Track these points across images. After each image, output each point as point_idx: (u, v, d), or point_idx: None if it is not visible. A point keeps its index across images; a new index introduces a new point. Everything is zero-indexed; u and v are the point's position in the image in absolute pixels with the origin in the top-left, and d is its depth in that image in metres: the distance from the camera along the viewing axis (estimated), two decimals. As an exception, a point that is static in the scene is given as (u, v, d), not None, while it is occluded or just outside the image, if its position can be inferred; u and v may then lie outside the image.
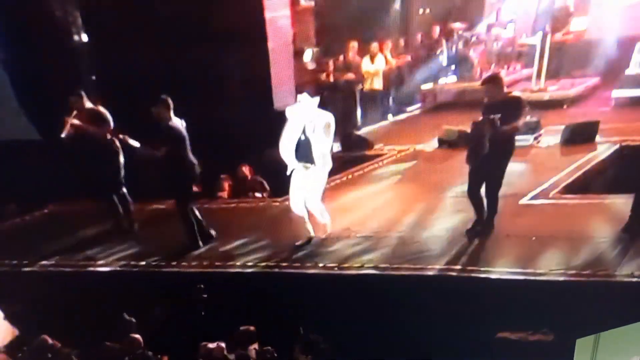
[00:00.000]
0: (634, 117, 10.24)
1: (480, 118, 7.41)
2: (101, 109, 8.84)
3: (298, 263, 7.63)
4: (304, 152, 7.58)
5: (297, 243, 7.96)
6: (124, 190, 8.93)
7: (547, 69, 11.86)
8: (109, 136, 8.69)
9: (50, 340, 7.00)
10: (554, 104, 11.53)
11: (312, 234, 7.96)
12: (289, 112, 7.68)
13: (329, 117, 7.63)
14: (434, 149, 10.45)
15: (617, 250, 6.79)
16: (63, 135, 8.68)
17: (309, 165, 7.62)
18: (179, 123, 8.02)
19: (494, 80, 7.54)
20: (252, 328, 6.71)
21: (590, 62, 12.03)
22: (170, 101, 7.96)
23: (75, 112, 8.68)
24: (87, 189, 9.65)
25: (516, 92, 7.85)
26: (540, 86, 11.85)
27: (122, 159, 8.77)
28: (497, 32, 13.04)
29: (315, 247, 7.90)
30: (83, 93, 8.87)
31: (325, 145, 7.62)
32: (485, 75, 12.24)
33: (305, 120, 7.53)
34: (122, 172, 8.85)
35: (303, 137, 7.56)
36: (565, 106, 11.51)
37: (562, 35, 12.26)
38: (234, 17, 10.52)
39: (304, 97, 7.66)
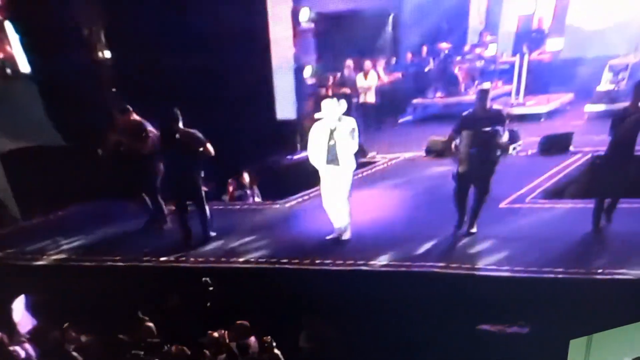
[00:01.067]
0: (605, 129, 10.16)
1: (466, 129, 7.44)
2: (144, 122, 8.65)
3: (300, 259, 7.60)
4: (332, 154, 7.58)
5: (328, 237, 7.92)
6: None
7: (526, 85, 11.85)
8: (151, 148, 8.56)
9: (68, 331, 7.00)
10: (531, 117, 11.50)
11: (342, 230, 7.90)
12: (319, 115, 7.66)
13: (352, 122, 7.62)
14: (421, 157, 10.39)
15: (585, 249, 6.79)
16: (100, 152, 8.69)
17: (336, 166, 7.62)
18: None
19: (484, 91, 7.58)
20: (246, 323, 6.66)
21: (565, 79, 12.00)
22: (178, 112, 8.04)
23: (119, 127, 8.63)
24: (119, 191, 9.49)
25: (497, 106, 7.79)
26: (519, 101, 11.82)
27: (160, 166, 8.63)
28: (479, 51, 13.03)
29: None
30: (129, 107, 8.72)
31: (350, 148, 7.61)
32: (472, 88, 12.55)
33: (332, 124, 7.51)
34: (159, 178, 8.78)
35: (331, 141, 7.55)
36: (542, 119, 11.46)
37: (538, 55, 12.24)
38: (243, 38, 10.52)
39: (331, 102, 7.63)
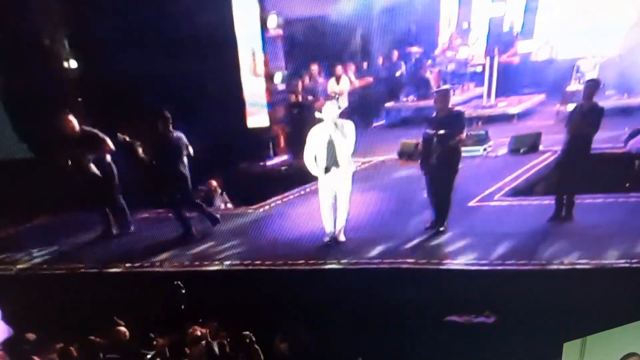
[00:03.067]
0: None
1: (429, 131, 8.09)
2: (96, 130, 9.20)
3: (273, 261, 8.17)
4: (331, 156, 8.13)
5: (325, 240, 8.42)
6: (121, 200, 9.42)
7: (497, 87, 12.51)
8: (108, 157, 9.19)
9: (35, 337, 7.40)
10: (503, 118, 12.14)
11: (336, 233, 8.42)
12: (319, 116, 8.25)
13: (349, 124, 8.18)
14: (394, 160, 10.97)
15: (546, 242, 7.43)
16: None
17: (336, 168, 8.18)
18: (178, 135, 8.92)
19: (443, 93, 8.20)
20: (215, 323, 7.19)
21: (536, 80, 12.70)
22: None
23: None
24: (81, 201, 9.95)
25: (459, 107, 8.45)
26: (491, 102, 12.48)
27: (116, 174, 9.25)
28: (450, 54, 13.69)
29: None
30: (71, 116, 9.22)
31: (349, 149, 8.15)
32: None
33: (330, 127, 8.05)
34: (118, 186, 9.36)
35: (329, 143, 8.10)
36: (514, 120, 12.11)
37: (509, 57, 12.93)
38: (211, 46, 10.94)
39: (331, 104, 8.43)
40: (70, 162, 9.33)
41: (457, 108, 8.43)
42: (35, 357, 7.16)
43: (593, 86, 7.94)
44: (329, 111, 8.12)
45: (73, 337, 7.36)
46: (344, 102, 12.47)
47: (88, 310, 7.65)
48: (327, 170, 8.19)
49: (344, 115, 12.28)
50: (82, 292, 8.16)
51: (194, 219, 9.33)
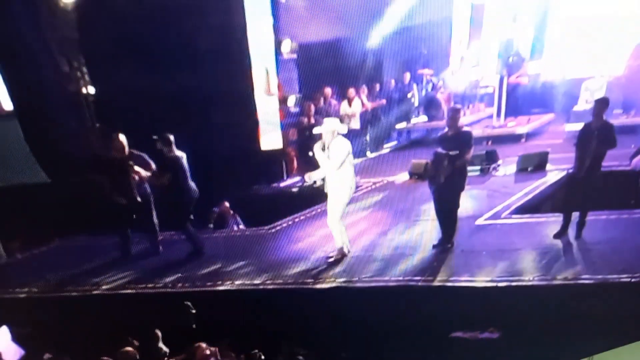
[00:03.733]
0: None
1: (439, 150, 8.33)
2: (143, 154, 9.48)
3: (281, 280, 8.39)
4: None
5: (330, 258, 8.64)
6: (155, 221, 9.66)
7: (506, 107, 12.73)
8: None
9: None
10: (512, 138, 12.33)
11: (346, 250, 8.65)
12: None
13: (339, 145, 8.40)
14: (404, 180, 11.19)
15: (552, 258, 7.59)
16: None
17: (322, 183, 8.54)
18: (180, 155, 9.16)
19: (455, 112, 8.49)
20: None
21: (544, 100, 12.90)
22: (171, 137, 9.13)
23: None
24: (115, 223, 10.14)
25: (467, 128, 8.66)
26: (500, 122, 12.69)
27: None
28: (461, 76, 13.94)
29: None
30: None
31: (331, 169, 8.37)
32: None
33: (326, 142, 8.35)
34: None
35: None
36: (523, 140, 12.29)
37: (518, 78, 13.14)
38: (226, 70, 11.26)
39: (330, 120, 8.67)
40: (114, 184, 9.55)
41: (465, 128, 8.62)
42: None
43: (602, 105, 8.06)
44: (325, 128, 8.38)
45: (85, 358, 7.61)
46: (356, 124, 12.79)
47: (100, 331, 7.87)
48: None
49: (352, 136, 12.82)
50: (94, 313, 8.41)
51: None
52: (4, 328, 7.95)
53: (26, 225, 10.60)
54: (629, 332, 6.37)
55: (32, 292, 9.32)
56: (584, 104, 11.82)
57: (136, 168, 9.38)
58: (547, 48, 13.47)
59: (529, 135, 12.34)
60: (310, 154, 8.55)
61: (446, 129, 8.42)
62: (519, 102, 12.93)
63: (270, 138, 12.12)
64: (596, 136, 7.91)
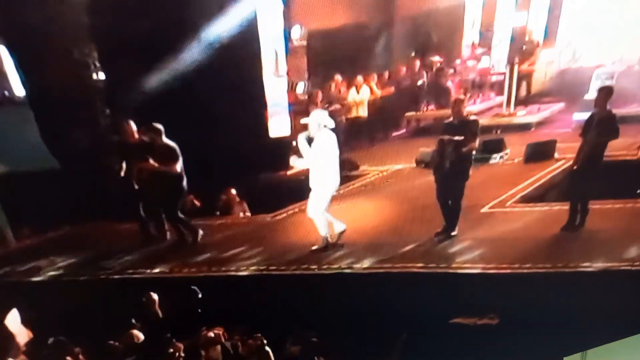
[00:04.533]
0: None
1: (444, 136, 8.45)
2: (172, 144, 9.33)
3: (287, 266, 8.57)
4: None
5: (314, 247, 8.79)
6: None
7: (516, 96, 12.81)
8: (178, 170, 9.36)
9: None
10: (522, 127, 12.41)
11: (330, 240, 8.78)
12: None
13: (328, 136, 8.48)
14: (411, 168, 11.32)
15: (555, 246, 7.70)
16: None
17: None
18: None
19: (457, 102, 8.58)
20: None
21: (555, 89, 12.96)
22: (160, 127, 9.23)
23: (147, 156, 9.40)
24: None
25: (473, 116, 8.75)
26: (510, 111, 12.76)
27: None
28: (471, 64, 14.01)
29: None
30: (161, 127, 9.37)
31: (319, 160, 8.44)
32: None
33: (312, 134, 8.42)
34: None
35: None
36: (532, 128, 12.36)
37: (529, 66, 13.20)
38: (235, 58, 11.41)
39: (318, 111, 8.74)
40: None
41: (471, 117, 8.72)
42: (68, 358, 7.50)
43: (606, 94, 8.10)
44: (312, 120, 8.47)
45: (91, 341, 7.74)
46: (363, 112, 12.94)
47: (106, 316, 8.05)
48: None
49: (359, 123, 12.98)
50: (101, 297, 8.61)
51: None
52: (14, 311, 8.17)
53: (36, 211, 10.78)
54: (627, 326, 6.47)
55: (39, 276, 9.52)
56: (595, 93, 11.87)
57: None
58: (560, 36, 13.51)
59: (539, 124, 12.41)
60: (294, 143, 8.57)
61: (451, 118, 8.53)
62: (529, 90, 13.03)
63: (278, 121, 12.25)
64: (598, 126, 7.95)
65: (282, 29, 12.41)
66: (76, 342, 7.76)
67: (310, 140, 8.45)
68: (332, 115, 12.10)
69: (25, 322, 8.10)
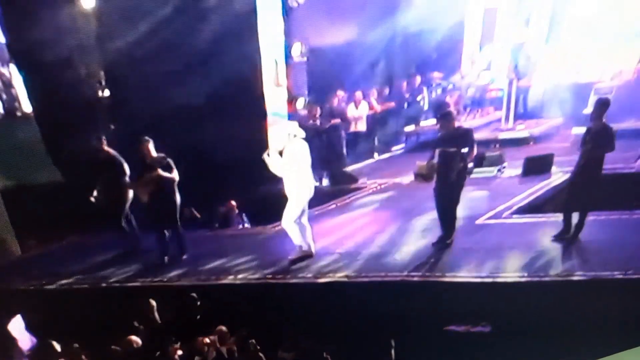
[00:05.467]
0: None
1: (440, 148, 8.57)
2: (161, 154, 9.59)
3: (282, 275, 8.68)
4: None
5: (290, 257, 8.92)
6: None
7: (515, 111, 12.93)
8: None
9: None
10: (521, 141, 12.52)
11: (307, 250, 8.90)
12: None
13: (300, 146, 8.63)
14: (410, 181, 11.44)
15: (547, 256, 7.79)
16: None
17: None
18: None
19: (445, 116, 8.68)
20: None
21: (554, 104, 13.06)
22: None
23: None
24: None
25: (466, 126, 8.87)
26: (509, 126, 12.88)
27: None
28: (470, 80, 14.17)
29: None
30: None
31: (290, 170, 8.58)
32: (464, 116, 13.71)
33: (281, 144, 8.59)
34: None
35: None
36: (531, 143, 12.46)
37: (528, 81, 13.32)
38: (237, 78, 11.55)
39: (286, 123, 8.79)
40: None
41: (465, 127, 8.84)
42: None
43: (602, 107, 8.17)
44: (282, 130, 8.71)
45: (93, 346, 7.94)
46: (362, 126, 13.11)
47: (107, 322, 8.20)
48: None
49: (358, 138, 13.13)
50: (103, 305, 8.76)
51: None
52: (18, 317, 8.31)
53: (41, 222, 10.95)
54: (618, 339, 6.57)
55: (44, 284, 9.69)
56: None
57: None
58: (559, 52, 13.65)
59: (538, 139, 12.51)
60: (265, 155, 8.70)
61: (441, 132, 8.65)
62: (528, 105, 13.15)
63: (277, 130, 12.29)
64: (594, 139, 8.04)
65: (283, 39, 12.54)
66: (79, 347, 7.95)
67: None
68: (332, 129, 12.44)
69: (29, 328, 8.27)
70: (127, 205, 10.07)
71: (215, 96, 10.97)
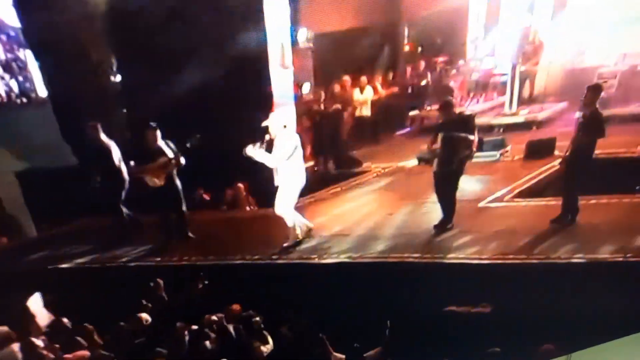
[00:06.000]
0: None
1: (440, 133, 8.61)
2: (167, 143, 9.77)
3: (287, 255, 8.83)
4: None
5: (285, 244, 9.04)
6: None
7: (519, 96, 12.90)
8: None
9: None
10: (524, 126, 12.48)
11: (300, 236, 9.04)
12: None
13: (289, 137, 8.72)
14: (413, 165, 11.48)
15: (547, 239, 7.84)
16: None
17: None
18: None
19: (445, 106, 8.75)
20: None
21: (558, 88, 13.02)
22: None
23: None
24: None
25: (467, 112, 8.90)
26: (513, 111, 12.85)
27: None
28: (475, 64, 14.13)
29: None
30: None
31: (281, 161, 8.67)
32: (467, 100, 13.72)
33: (273, 133, 8.68)
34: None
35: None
36: (534, 127, 12.44)
37: (532, 66, 13.27)
38: (244, 59, 11.57)
39: (274, 114, 8.96)
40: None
41: (466, 113, 8.87)
42: (78, 338, 7.81)
43: (595, 92, 8.18)
44: (271, 122, 8.73)
45: (105, 323, 8.05)
46: (367, 111, 13.12)
47: (118, 300, 8.33)
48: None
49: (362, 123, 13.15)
50: (114, 284, 8.93)
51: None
52: (37, 294, 8.47)
53: (55, 205, 11.05)
54: (614, 309, 6.60)
55: (58, 264, 9.89)
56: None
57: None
58: (563, 35, 13.56)
59: (541, 123, 12.48)
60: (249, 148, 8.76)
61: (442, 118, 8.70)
62: (532, 90, 13.11)
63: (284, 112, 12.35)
64: (586, 124, 8.07)
65: (289, 21, 12.50)
66: (91, 324, 8.06)
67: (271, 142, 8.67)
68: (337, 113, 12.45)
69: (46, 305, 8.41)
70: (124, 191, 10.17)
71: (222, 78, 11.00)
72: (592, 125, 7.98)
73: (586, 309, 6.66)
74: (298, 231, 9.05)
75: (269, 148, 8.72)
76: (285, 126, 8.74)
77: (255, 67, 11.57)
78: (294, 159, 8.72)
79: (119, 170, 10.01)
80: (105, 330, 8.02)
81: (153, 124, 9.83)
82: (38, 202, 11.52)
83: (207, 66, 10.96)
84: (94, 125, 10.03)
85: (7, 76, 12.69)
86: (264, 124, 8.77)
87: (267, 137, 8.69)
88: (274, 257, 8.80)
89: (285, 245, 9.01)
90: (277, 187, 8.91)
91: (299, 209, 9.85)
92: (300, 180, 8.88)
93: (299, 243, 9.01)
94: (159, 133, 9.73)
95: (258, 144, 8.66)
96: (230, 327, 7.33)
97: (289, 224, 8.98)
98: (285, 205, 8.87)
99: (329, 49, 13.29)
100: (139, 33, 11.46)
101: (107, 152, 9.97)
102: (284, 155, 8.64)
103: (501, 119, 12.67)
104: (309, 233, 9.12)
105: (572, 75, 12.86)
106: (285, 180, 8.78)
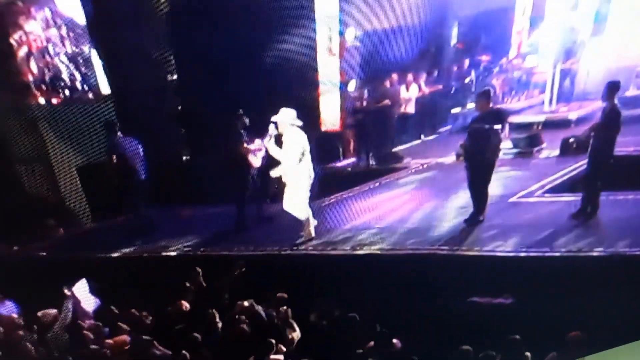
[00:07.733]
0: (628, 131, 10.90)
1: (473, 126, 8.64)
2: None
3: (322, 247, 9.02)
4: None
5: (298, 241, 9.15)
6: None
7: (559, 94, 12.69)
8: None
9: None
10: (563, 124, 12.29)
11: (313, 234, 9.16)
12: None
13: (297, 134, 8.78)
14: (451, 161, 11.49)
15: (571, 233, 7.80)
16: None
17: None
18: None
19: (483, 95, 8.78)
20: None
21: (598, 86, 12.71)
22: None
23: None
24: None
25: (499, 106, 8.87)
26: (552, 108, 12.66)
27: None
28: (517, 62, 13.95)
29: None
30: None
31: (291, 158, 8.73)
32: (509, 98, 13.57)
33: (281, 130, 8.76)
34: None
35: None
36: (572, 125, 12.23)
37: (572, 64, 13.03)
38: (293, 47, 11.79)
39: (286, 110, 8.84)
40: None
41: (498, 106, 8.84)
42: (120, 324, 8.17)
43: (612, 88, 8.14)
44: (280, 118, 8.72)
45: (150, 309, 8.41)
46: (411, 108, 13.16)
47: (161, 288, 8.69)
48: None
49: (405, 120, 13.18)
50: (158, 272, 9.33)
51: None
52: (83, 281, 8.86)
53: (112, 196, 11.46)
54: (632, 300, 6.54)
55: (111, 253, 10.33)
56: (635, 90, 11.72)
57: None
58: (605, 35, 13.26)
59: (579, 121, 12.26)
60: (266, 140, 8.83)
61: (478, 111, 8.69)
62: (572, 88, 12.88)
63: (329, 99, 12.51)
64: (604, 120, 8.05)
65: (338, 9, 12.60)
66: (137, 310, 8.40)
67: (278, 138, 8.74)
68: (381, 111, 12.53)
69: (93, 291, 8.82)
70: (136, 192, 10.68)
71: (271, 66, 11.23)
72: (610, 121, 7.94)
73: (607, 304, 6.61)
74: (312, 227, 9.12)
75: (277, 143, 8.82)
76: (292, 124, 8.75)
77: (302, 54, 11.68)
78: (301, 157, 8.81)
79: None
80: (149, 315, 8.34)
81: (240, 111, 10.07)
82: (96, 195, 12.04)
83: (257, 54, 11.17)
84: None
85: (73, 73, 13.12)
86: (273, 118, 8.79)
87: (275, 131, 8.74)
88: (310, 248, 8.97)
89: (298, 242, 9.12)
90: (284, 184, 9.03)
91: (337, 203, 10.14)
92: (309, 177, 8.93)
93: (311, 240, 9.13)
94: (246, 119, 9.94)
95: (272, 137, 8.75)
96: (262, 311, 7.54)
97: (302, 220, 9.07)
98: (294, 202, 8.94)
99: (376, 48, 13.36)
100: (196, 31, 11.83)
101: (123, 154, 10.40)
102: (294, 155, 8.71)
103: (540, 116, 12.49)
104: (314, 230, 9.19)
105: (612, 74, 12.54)
106: (293, 178, 8.84)
